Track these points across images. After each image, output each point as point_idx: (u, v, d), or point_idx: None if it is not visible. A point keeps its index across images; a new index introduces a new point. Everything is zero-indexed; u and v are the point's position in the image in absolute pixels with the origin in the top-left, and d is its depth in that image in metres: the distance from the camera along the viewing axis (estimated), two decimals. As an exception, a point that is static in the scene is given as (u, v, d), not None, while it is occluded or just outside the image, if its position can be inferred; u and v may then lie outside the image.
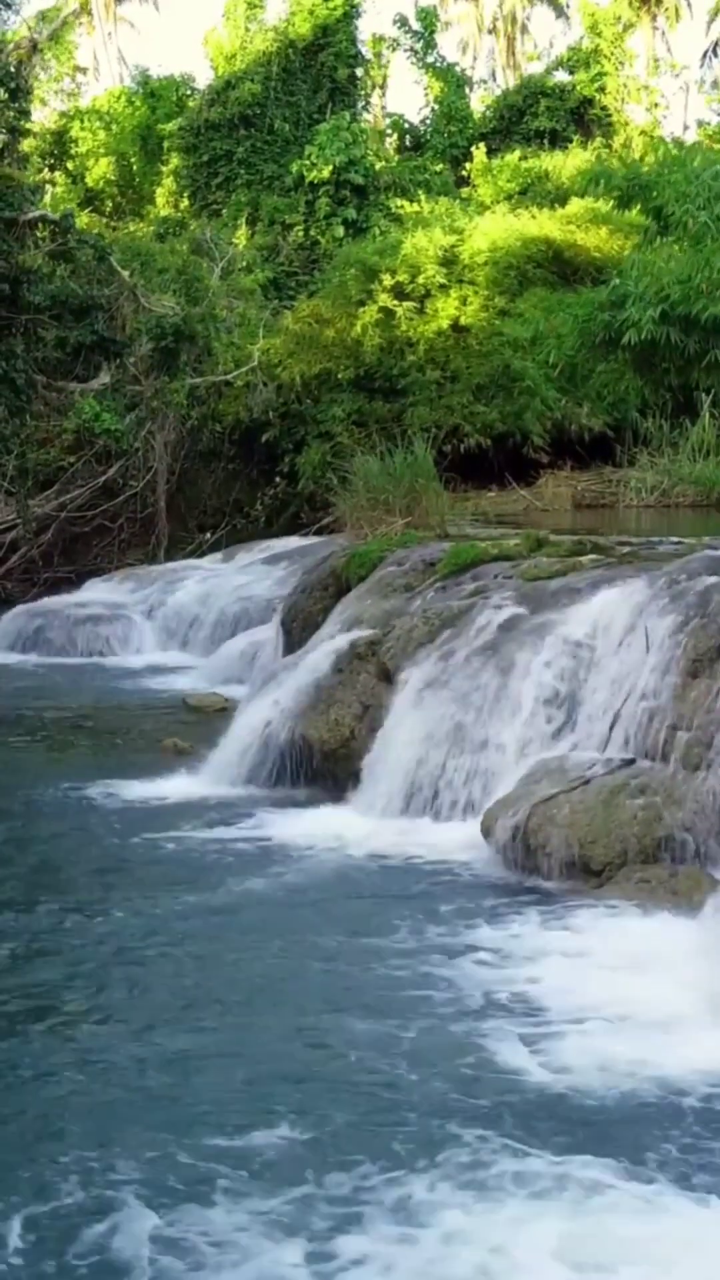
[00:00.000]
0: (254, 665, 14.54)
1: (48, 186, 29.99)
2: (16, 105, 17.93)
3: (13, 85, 17.61)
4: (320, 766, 10.18)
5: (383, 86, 39.65)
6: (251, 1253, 4.28)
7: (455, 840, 8.73)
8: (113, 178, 34.25)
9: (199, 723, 12.76)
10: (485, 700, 9.57)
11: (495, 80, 44.95)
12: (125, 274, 18.39)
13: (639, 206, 21.03)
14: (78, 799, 10.11)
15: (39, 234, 17.33)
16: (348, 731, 10.16)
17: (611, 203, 22.76)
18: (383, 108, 39.76)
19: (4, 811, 9.93)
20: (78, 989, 6.63)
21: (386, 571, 11.97)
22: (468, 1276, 4.17)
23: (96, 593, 19.79)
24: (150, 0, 50.24)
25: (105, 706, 14.11)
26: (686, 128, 40.38)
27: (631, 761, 8.54)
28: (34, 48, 18.84)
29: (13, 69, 17.94)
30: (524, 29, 46.46)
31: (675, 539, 12.39)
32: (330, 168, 28.56)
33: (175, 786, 10.31)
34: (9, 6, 17.40)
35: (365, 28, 49.42)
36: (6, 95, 17.62)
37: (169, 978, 6.72)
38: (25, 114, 18.36)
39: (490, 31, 48.00)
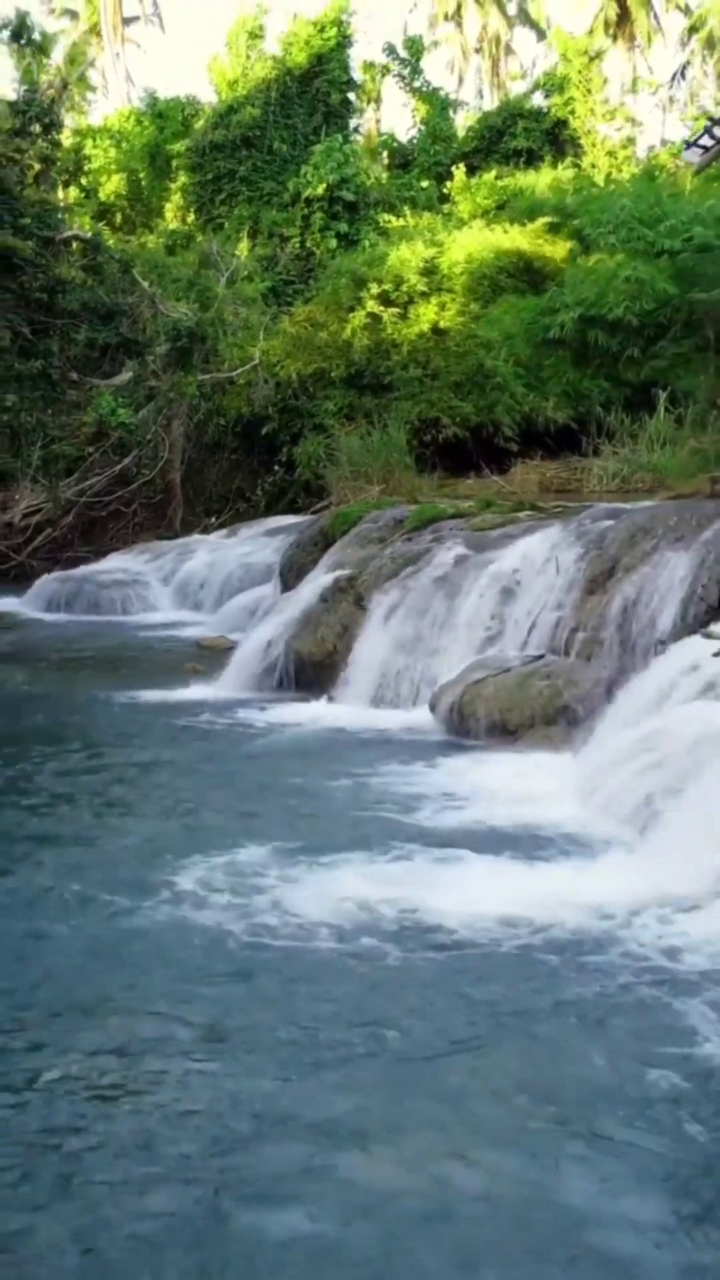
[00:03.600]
0: (256, 616, 17.23)
1: (63, 199, 32.65)
2: (49, 137, 20.70)
3: (46, 120, 20.38)
4: (309, 674, 12.91)
5: (377, 100, 42.35)
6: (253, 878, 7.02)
7: (409, 719, 11.46)
8: (123, 192, 36.93)
9: (210, 657, 15.44)
10: (437, 618, 12.30)
11: (482, 98, 47.79)
12: (145, 284, 21.11)
13: (565, 231, 24.08)
14: (118, 700, 12.82)
15: (72, 250, 20.10)
16: (331, 646, 12.89)
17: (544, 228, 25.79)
18: (376, 121, 42.45)
19: (65, 707, 12.70)
20: (121, 793, 9.38)
21: (364, 527, 14.69)
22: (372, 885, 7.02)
23: (117, 562, 22.48)
24: (156, 22, 52.99)
25: (132, 647, 16.83)
26: (662, 142, 43.24)
27: (542, 656, 11.26)
28: (64, 86, 21.54)
29: (46, 106, 20.68)
30: (508, 50, 49.23)
31: (605, 504, 15.08)
32: (324, 185, 31.23)
33: (194, 692, 13.04)
34: (46, 54, 20.11)
35: (359, 54, 52.10)
36: (40, 129, 20.40)
37: (191, 792, 9.45)
38: (57, 145, 21.11)
39: (477, 51, 50.78)
